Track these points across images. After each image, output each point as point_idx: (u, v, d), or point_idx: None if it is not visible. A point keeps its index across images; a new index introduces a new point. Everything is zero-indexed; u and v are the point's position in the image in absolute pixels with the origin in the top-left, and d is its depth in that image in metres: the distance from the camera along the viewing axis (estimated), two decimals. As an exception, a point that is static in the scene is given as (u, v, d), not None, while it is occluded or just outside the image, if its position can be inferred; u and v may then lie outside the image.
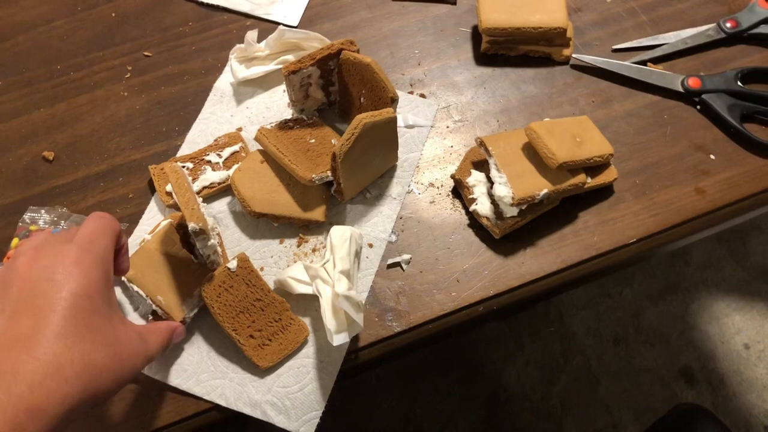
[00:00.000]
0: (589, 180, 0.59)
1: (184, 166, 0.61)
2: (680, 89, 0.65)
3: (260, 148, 0.61)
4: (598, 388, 1.31)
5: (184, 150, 0.64)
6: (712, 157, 0.63)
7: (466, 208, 0.61)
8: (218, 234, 0.60)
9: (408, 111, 0.65)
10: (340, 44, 0.60)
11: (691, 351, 1.35)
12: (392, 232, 0.60)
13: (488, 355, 1.34)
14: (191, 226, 0.51)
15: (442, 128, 0.65)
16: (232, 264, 0.55)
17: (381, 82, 0.58)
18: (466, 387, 1.30)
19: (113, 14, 0.72)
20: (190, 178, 0.60)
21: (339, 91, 0.64)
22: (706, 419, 0.74)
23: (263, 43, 0.67)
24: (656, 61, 0.68)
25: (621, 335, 1.38)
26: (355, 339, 0.55)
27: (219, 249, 0.57)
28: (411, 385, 1.30)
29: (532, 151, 0.58)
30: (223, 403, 0.53)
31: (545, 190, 0.56)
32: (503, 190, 0.56)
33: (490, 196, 0.59)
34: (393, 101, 0.58)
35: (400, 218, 0.61)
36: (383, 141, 0.59)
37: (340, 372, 0.54)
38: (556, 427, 1.27)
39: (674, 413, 0.77)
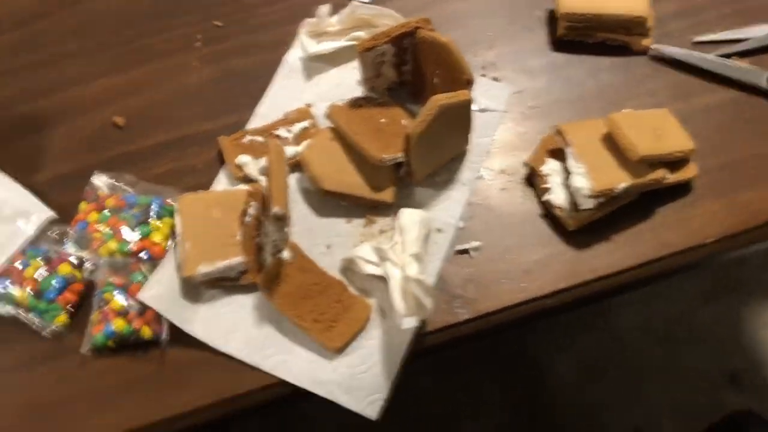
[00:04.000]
0: (668, 175, 0.57)
1: (253, 140, 0.61)
2: (766, 86, 0.63)
3: (330, 125, 0.60)
4: (642, 386, 1.29)
5: (254, 123, 0.63)
6: (799, 158, 0.61)
7: (538, 197, 0.60)
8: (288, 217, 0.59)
9: (480, 94, 0.64)
10: (416, 23, 0.59)
11: (741, 355, 1.32)
12: (461, 218, 0.59)
13: (534, 344, 1.32)
14: (276, 209, 0.51)
15: (515, 114, 0.64)
16: (286, 254, 0.55)
17: (457, 63, 0.56)
18: (507, 374, 1.29)
19: (185, -19, 0.71)
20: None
21: (412, 71, 0.62)
22: (763, 428, 0.72)
23: (335, 18, 0.66)
24: (741, 55, 0.65)
25: (670, 333, 1.36)
26: (421, 324, 0.55)
27: (285, 240, 0.57)
28: (452, 367, 1.29)
29: (611, 143, 0.57)
30: (290, 380, 0.53)
31: (624, 184, 0.55)
32: (581, 181, 0.55)
33: (566, 186, 0.58)
34: (469, 83, 0.57)
35: (470, 204, 0.60)
36: (457, 124, 0.58)
37: (407, 357, 0.54)
38: (597, 423, 1.26)
39: (727, 420, 0.75)
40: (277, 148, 0.53)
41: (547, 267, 0.57)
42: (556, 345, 1.33)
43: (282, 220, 0.52)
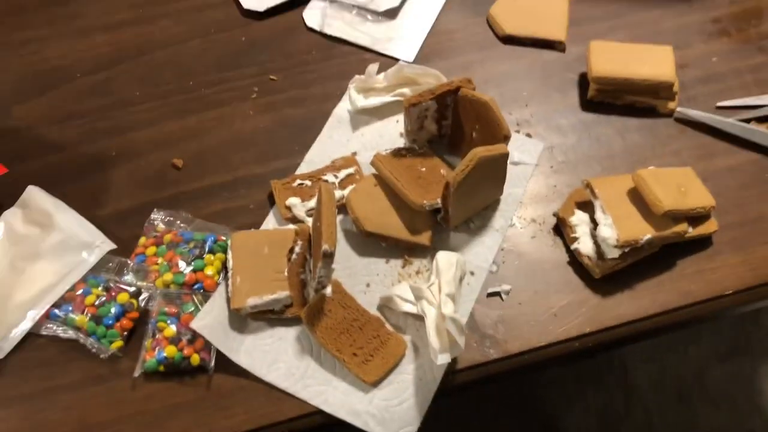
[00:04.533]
0: (690, 230, 0.61)
1: (302, 184, 0.66)
2: (785, 149, 0.67)
3: (374, 172, 0.65)
4: (660, 446, 1.29)
5: (303, 168, 0.68)
6: (817, 219, 0.64)
7: (566, 245, 0.63)
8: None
9: (514, 149, 0.68)
10: (459, 82, 0.64)
11: (758, 416, 1.32)
12: (493, 262, 0.63)
13: (547, 397, 1.33)
14: (325, 247, 0.55)
15: (545, 168, 0.68)
16: (328, 290, 0.59)
17: (497, 119, 0.61)
18: (520, 427, 1.30)
19: (243, 38, 0.78)
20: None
21: (451, 125, 0.67)
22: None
23: (382, 75, 0.71)
24: (761, 120, 0.69)
25: (685, 393, 1.36)
26: (453, 361, 0.58)
27: (330, 276, 0.61)
28: (462, 416, 1.30)
29: (637, 197, 0.60)
30: (327, 410, 0.56)
31: (649, 235, 0.58)
32: (608, 232, 0.59)
33: (593, 236, 0.61)
34: (506, 138, 0.61)
35: (502, 250, 0.63)
36: (493, 175, 0.62)
37: (438, 393, 0.57)
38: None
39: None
40: (327, 189, 0.58)
41: (574, 312, 0.60)
42: (568, 397, 1.34)
43: (329, 257, 0.56)
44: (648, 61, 0.69)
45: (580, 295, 0.61)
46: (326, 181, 0.66)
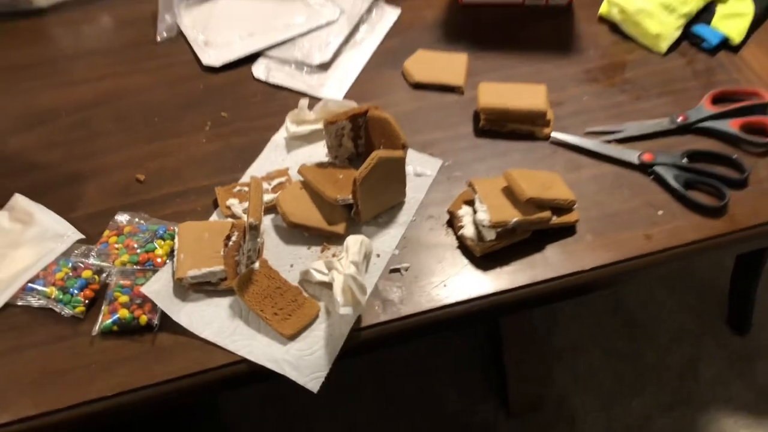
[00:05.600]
0: (554, 218, 0.75)
1: (240, 189, 0.80)
2: (637, 162, 0.82)
3: (300, 179, 0.80)
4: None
5: (244, 180, 0.83)
6: (660, 212, 0.78)
7: (455, 234, 0.77)
8: (263, 240, 0.77)
9: (418, 164, 0.84)
10: (368, 106, 0.80)
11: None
12: (396, 247, 0.76)
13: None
14: (251, 220, 0.69)
15: (443, 179, 0.83)
16: (257, 265, 0.71)
17: (395, 131, 0.77)
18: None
19: (201, 86, 0.94)
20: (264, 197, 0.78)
21: (365, 144, 0.83)
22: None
23: (312, 110, 0.87)
24: (619, 142, 0.85)
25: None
26: (358, 320, 0.70)
27: (258, 250, 0.74)
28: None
29: (509, 192, 0.75)
30: (251, 358, 0.68)
31: (516, 218, 0.72)
32: (483, 216, 0.73)
33: (475, 223, 0.75)
34: (404, 147, 0.76)
35: (404, 238, 0.77)
36: (394, 176, 0.77)
37: (345, 348, 0.68)
38: None
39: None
40: (256, 180, 0.72)
41: (459, 283, 0.73)
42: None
43: (255, 230, 0.69)
44: (525, 95, 0.85)
45: (465, 271, 0.74)
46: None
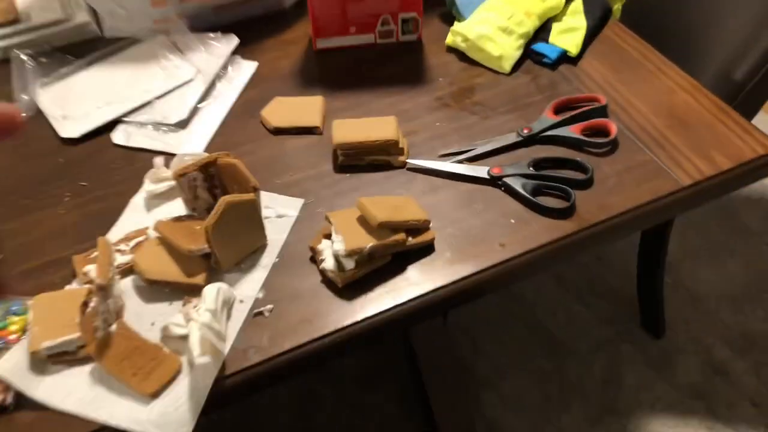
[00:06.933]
0: (411, 239, 0.77)
1: (97, 255, 0.79)
2: (487, 176, 0.85)
3: (157, 235, 0.79)
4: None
5: (103, 246, 0.82)
6: (512, 221, 0.81)
7: (319, 269, 0.77)
8: (122, 302, 0.75)
9: (279, 205, 0.85)
10: (217, 154, 0.81)
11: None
12: (260, 290, 0.76)
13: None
14: (98, 281, 0.68)
15: (305, 217, 0.84)
16: (113, 327, 0.70)
17: (244, 175, 0.77)
18: None
19: (60, 160, 0.94)
20: (116, 258, 0.77)
21: (222, 193, 0.83)
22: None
23: (170, 167, 0.87)
24: (471, 160, 0.88)
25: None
26: (222, 368, 0.69)
27: (117, 312, 0.73)
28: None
29: (363, 220, 0.76)
30: (112, 423, 0.66)
31: (371, 244, 0.73)
32: (339, 246, 0.74)
33: (334, 255, 0.76)
34: (255, 189, 0.77)
35: (268, 281, 0.77)
36: (249, 220, 0.77)
37: (212, 399, 0.67)
38: None
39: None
40: (103, 241, 0.72)
41: (323, 317, 0.73)
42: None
43: (105, 290, 0.68)
44: (376, 128, 0.88)
45: (328, 303, 0.74)
46: (119, 249, 0.80)
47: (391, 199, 0.79)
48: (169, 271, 0.76)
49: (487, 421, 1.48)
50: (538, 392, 1.54)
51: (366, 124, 0.89)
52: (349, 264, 0.74)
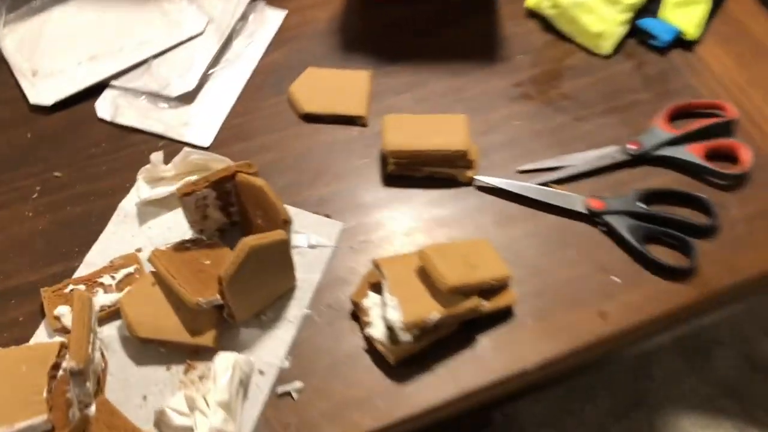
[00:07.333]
0: (485, 303, 0.58)
1: (74, 289, 0.60)
2: (583, 210, 0.65)
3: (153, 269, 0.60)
4: None
5: (82, 271, 0.63)
6: (616, 279, 0.62)
7: (363, 333, 0.59)
8: (105, 362, 0.58)
9: (313, 231, 0.65)
10: (236, 167, 0.60)
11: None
12: (286, 356, 0.58)
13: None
14: (72, 364, 0.50)
15: (345, 249, 0.65)
16: (92, 410, 0.53)
17: (273, 204, 0.58)
18: None
19: (29, 135, 0.73)
20: (97, 313, 0.59)
21: (239, 212, 0.63)
22: None
23: (170, 164, 0.67)
24: (560, 182, 0.68)
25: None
26: (235, 474, 0.52)
27: (97, 380, 0.55)
28: None
29: (426, 275, 0.58)
30: None
31: (437, 314, 0.55)
32: (393, 314, 0.55)
33: (386, 323, 0.58)
34: (285, 223, 0.58)
35: (296, 342, 0.59)
36: (275, 263, 0.59)
37: None
38: None
39: None
40: (80, 296, 0.53)
41: (368, 404, 0.56)
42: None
43: (78, 375, 0.50)
44: (441, 131, 0.67)
45: (375, 385, 0.57)
46: (102, 284, 0.61)
47: (462, 246, 0.60)
48: (168, 325, 0.57)
49: (503, 407, 1.36)
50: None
51: (427, 124, 0.68)
52: (405, 336, 0.56)
